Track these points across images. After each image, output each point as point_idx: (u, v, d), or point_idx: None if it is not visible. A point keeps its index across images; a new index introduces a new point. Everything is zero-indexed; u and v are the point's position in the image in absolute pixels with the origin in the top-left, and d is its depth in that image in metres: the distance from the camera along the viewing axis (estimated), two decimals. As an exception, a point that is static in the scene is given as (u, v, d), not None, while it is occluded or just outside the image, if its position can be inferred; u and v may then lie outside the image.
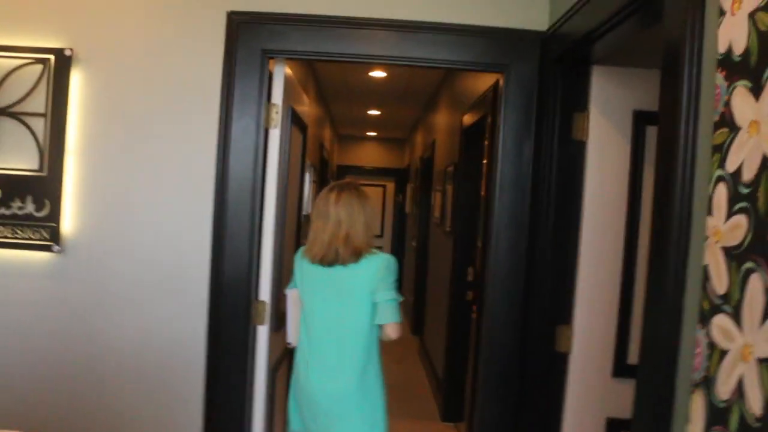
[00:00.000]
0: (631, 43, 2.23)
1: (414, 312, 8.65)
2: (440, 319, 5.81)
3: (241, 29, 2.71)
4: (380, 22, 2.73)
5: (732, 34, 1.34)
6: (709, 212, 1.39)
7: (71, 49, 2.70)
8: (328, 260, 2.74)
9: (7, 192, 2.72)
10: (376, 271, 2.72)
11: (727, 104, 1.34)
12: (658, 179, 1.64)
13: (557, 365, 2.69)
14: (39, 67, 2.70)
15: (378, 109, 9.03)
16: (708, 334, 1.36)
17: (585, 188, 2.65)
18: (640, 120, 2.64)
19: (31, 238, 2.72)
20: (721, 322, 1.31)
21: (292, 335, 2.92)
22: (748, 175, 1.25)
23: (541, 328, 2.71)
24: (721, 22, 1.39)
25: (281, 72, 2.88)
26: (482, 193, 4.36)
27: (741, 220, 1.26)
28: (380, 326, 2.74)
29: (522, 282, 2.78)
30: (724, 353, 1.29)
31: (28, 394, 2.78)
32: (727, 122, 1.34)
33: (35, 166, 2.72)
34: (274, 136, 2.85)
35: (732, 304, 1.27)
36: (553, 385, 2.71)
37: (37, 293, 2.77)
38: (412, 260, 9.43)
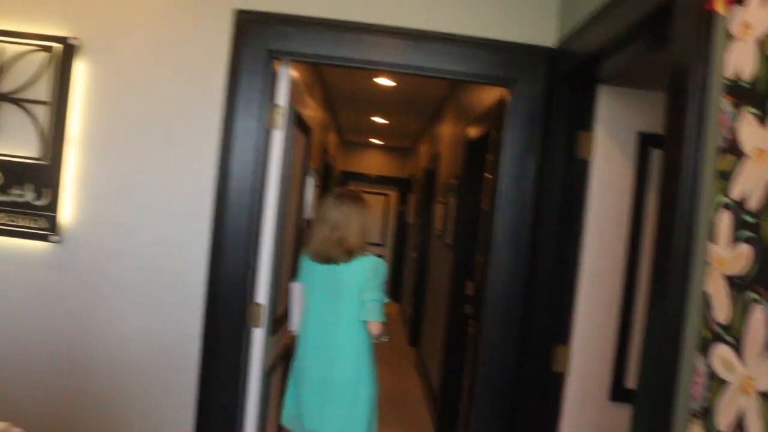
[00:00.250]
0: (639, 64, 2.21)
1: (411, 323, 8.61)
2: (437, 332, 5.77)
3: (248, 28, 2.69)
4: (388, 29, 2.71)
5: (740, 59, 1.31)
6: (713, 239, 1.36)
7: (77, 38, 2.69)
8: (323, 258, 3.10)
9: (7, 179, 2.69)
10: (364, 272, 3.06)
11: (734, 130, 1.31)
12: (662, 203, 1.61)
13: (554, 385, 2.66)
14: (44, 54, 2.68)
15: (384, 118, 9.01)
16: (708, 364, 1.33)
17: (587, 207, 2.62)
18: (645, 142, 2.62)
19: (28, 227, 2.70)
20: (722, 352, 1.28)
21: (294, 323, 3.22)
22: (753, 204, 1.22)
23: (538, 347, 2.68)
24: (728, 48, 1.36)
25: (286, 73, 2.86)
26: (484, 207, 4.33)
27: (746, 250, 1.23)
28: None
29: (521, 299, 2.75)
30: (724, 384, 1.26)
31: (18, 386, 2.75)
32: (732, 148, 1.31)
33: (36, 154, 2.70)
34: (277, 137, 2.83)
35: (733, 335, 1.24)
36: (548, 406, 2.67)
37: (32, 282, 2.74)
38: (411, 271, 9.39)
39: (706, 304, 1.36)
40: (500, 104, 3.35)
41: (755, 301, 1.19)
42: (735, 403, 1.21)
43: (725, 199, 1.32)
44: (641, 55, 2.07)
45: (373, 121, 9.38)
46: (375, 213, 12.32)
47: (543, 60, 2.71)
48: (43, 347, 2.75)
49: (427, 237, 7.89)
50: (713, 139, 1.41)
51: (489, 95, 4.02)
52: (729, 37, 1.36)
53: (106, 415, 2.76)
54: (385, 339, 3.18)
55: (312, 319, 3.12)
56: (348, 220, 3.13)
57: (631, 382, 2.63)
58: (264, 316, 2.85)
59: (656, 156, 2.58)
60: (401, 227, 12.29)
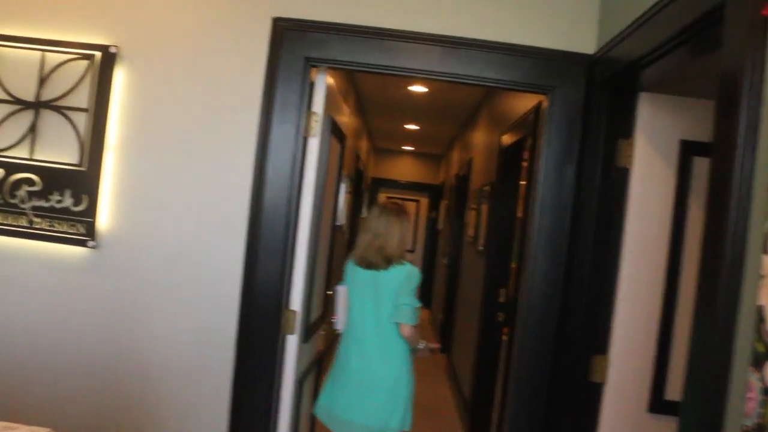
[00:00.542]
0: (682, 71, 2.17)
1: (442, 329, 8.57)
2: (469, 339, 5.73)
3: (286, 36, 2.70)
4: (425, 37, 2.70)
5: (798, 64, 1.27)
6: (766, 250, 1.32)
7: (116, 47, 2.72)
8: (365, 263, 3.39)
9: (46, 184, 2.74)
10: (400, 278, 3.31)
11: (791, 138, 1.27)
12: (709, 214, 1.57)
13: (591, 396, 2.62)
14: (84, 62, 2.72)
15: (416, 124, 9.00)
16: (762, 380, 1.28)
17: (627, 216, 2.58)
18: (687, 150, 2.56)
19: (67, 232, 2.73)
20: (775, 367, 1.24)
21: (340, 323, 3.47)
22: (811, 213, 1.18)
23: (575, 356, 2.64)
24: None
25: (323, 80, 2.86)
26: (519, 214, 4.30)
27: (801, 262, 1.19)
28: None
29: (557, 308, 2.71)
30: (777, 401, 1.22)
31: (59, 390, 2.78)
32: (789, 157, 1.27)
33: (75, 160, 2.73)
34: (313, 144, 2.83)
35: (788, 350, 1.20)
36: (585, 417, 2.63)
37: (70, 287, 2.78)
38: (442, 277, 9.35)
39: (760, 317, 1.32)
40: (537, 111, 3.33)
41: (812, 315, 1.15)
42: (790, 421, 1.17)
43: (780, 210, 1.28)
44: (685, 61, 2.03)
45: (405, 128, 9.37)
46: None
47: (582, 67, 2.68)
48: (80, 352, 2.78)
49: (458, 244, 7.85)
50: (766, 147, 1.36)
51: (525, 102, 3.99)
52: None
53: (141, 417, 2.78)
54: (421, 345, 3.43)
55: (354, 320, 3.40)
56: (388, 230, 3.41)
57: (670, 393, 2.57)
58: (298, 323, 2.84)
59: (699, 164, 2.53)
60: (432, 234, 12.25)
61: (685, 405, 1.59)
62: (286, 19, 2.72)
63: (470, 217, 6.67)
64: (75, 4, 2.76)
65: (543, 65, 2.70)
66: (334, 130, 3.18)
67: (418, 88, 6.47)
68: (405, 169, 12.51)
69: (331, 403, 3.38)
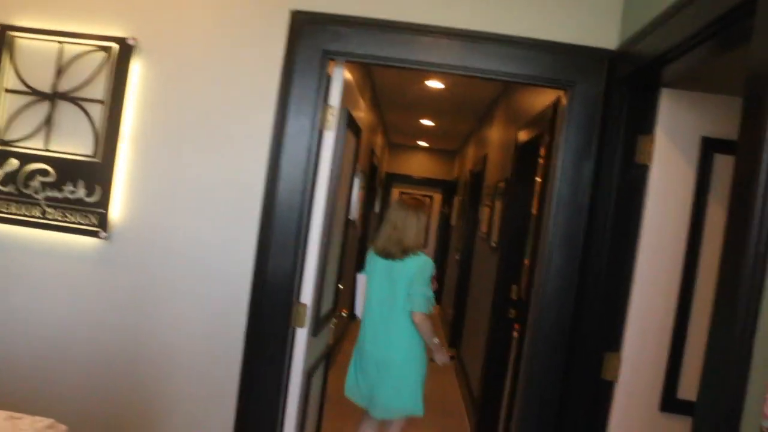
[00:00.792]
0: (704, 67, 2.13)
1: (452, 325, 8.55)
2: (479, 335, 5.71)
3: (304, 29, 2.68)
4: (444, 31, 2.68)
5: (829, 61, 1.24)
6: (790, 250, 1.29)
7: (134, 39, 2.72)
8: (384, 253, 3.69)
9: (60, 175, 2.74)
10: (414, 268, 3.57)
11: (819, 136, 1.24)
12: (732, 213, 1.54)
13: (602, 393, 2.59)
14: (102, 54, 2.72)
15: (432, 120, 8.98)
16: (782, 381, 1.26)
17: (644, 213, 2.54)
18: (708, 147, 2.52)
19: (80, 223, 2.74)
20: (797, 369, 1.22)
21: (359, 309, 3.76)
22: (838, 213, 1.15)
23: (587, 354, 2.62)
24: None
25: (340, 74, 2.84)
26: (533, 211, 4.27)
27: (828, 262, 1.17)
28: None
29: (571, 304, 2.68)
30: (799, 404, 1.19)
31: (65, 379, 2.79)
32: (817, 155, 1.24)
33: (89, 151, 2.73)
34: (328, 138, 2.81)
35: (812, 352, 1.18)
36: (596, 414, 2.60)
37: (82, 278, 2.78)
38: (454, 273, 9.33)
39: (782, 318, 1.29)
40: (555, 107, 3.30)
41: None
42: (813, 425, 1.15)
43: (806, 209, 1.25)
44: (709, 57, 1.99)
45: (421, 123, 9.35)
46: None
47: (603, 62, 2.64)
48: (90, 342, 2.79)
49: (471, 239, 7.82)
50: (794, 146, 1.34)
51: (542, 98, 3.96)
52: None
53: (150, 408, 2.79)
54: (436, 341, 3.62)
55: (372, 307, 3.69)
56: (406, 223, 3.69)
57: (683, 392, 2.54)
58: (308, 316, 2.84)
59: (720, 162, 2.49)
60: (445, 229, 12.23)
61: (701, 406, 1.56)
62: (304, 12, 2.70)
63: (484, 213, 6.64)
64: (93, -5, 2.76)
65: (563, 60, 2.67)
66: (350, 123, 3.17)
67: (435, 84, 6.45)
68: (419, 164, 12.49)
69: (356, 384, 3.76)
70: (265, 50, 2.73)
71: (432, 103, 7.60)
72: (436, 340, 3.68)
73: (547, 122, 3.55)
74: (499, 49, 2.67)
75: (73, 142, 2.74)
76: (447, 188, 12.17)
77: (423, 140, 11.66)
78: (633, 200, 2.56)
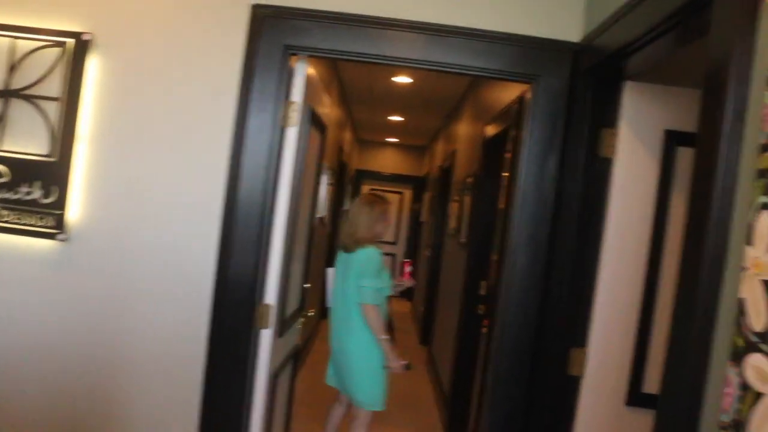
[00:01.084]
0: (667, 59, 2.13)
1: (423, 322, 8.55)
2: (449, 331, 5.71)
3: (265, 23, 2.63)
4: (408, 24, 2.65)
5: (786, 50, 1.24)
6: (749, 242, 1.28)
7: (90, 34, 2.65)
8: (342, 247, 3.84)
9: (15, 176, 2.66)
10: (361, 260, 3.66)
11: (776, 126, 1.24)
12: (692, 203, 1.54)
13: (569, 389, 2.59)
14: (56, 50, 2.64)
15: (400, 116, 8.96)
16: (741, 374, 1.25)
17: (609, 207, 2.55)
18: (672, 140, 2.53)
19: (35, 225, 2.66)
20: (756, 362, 1.21)
21: (328, 301, 3.93)
22: (796, 204, 1.15)
23: (554, 350, 2.61)
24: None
25: (303, 69, 2.80)
26: (501, 206, 4.27)
27: (786, 253, 1.16)
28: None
29: (536, 300, 2.68)
30: (759, 396, 1.19)
31: (21, 385, 2.71)
32: (774, 146, 1.24)
33: (45, 151, 2.66)
34: (291, 135, 2.77)
35: (771, 344, 1.17)
36: (563, 409, 2.61)
37: (38, 281, 2.70)
38: (424, 269, 9.33)
39: (740, 310, 1.28)
40: (521, 101, 3.29)
41: (796, 308, 1.11)
42: (773, 417, 1.14)
43: (765, 199, 1.25)
44: (671, 49, 1.99)
45: (390, 120, 9.33)
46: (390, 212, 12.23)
47: (567, 55, 2.64)
48: (48, 346, 2.71)
49: (441, 236, 7.82)
50: (753, 136, 1.33)
51: (509, 92, 3.95)
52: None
53: (109, 414, 2.72)
54: (385, 338, 3.64)
55: (334, 299, 3.83)
56: (358, 216, 3.80)
57: (648, 386, 2.56)
58: (272, 317, 2.79)
59: (683, 154, 2.50)
60: (415, 226, 12.23)
61: (663, 399, 1.56)
62: (265, 5, 2.65)
63: (453, 209, 6.64)
64: (46, -12, 2.69)
65: (527, 53, 2.65)
66: (313, 120, 3.13)
67: (403, 79, 6.42)
68: (389, 160, 12.47)
69: (332, 372, 3.91)
70: (226, 45, 2.68)
71: (400, 99, 7.57)
72: (384, 337, 3.66)
73: (513, 116, 3.54)
74: (464, 43, 2.64)
75: (28, 141, 2.66)
76: (417, 184, 12.16)
77: (392, 136, 11.64)
78: (597, 194, 2.56)
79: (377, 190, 12.07)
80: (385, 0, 2.67)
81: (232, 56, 2.67)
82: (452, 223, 6.56)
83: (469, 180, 5.50)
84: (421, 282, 9.26)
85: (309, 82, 2.91)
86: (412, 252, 12.03)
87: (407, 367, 3.73)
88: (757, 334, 1.22)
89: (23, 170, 2.65)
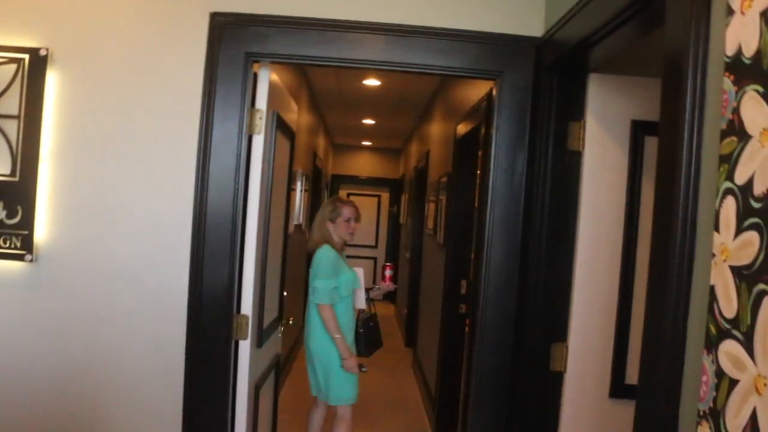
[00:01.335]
0: (630, 49, 2.13)
1: (407, 324, 8.52)
2: (433, 332, 5.69)
3: (224, 31, 2.60)
4: (369, 26, 2.62)
5: (741, 34, 1.23)
6: (716, 228, 1.28)
7: (47, 49, 2.59)
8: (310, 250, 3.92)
9: (-24, 198, 2.59)
10: (315, 261, 3.75)
11: (736, 111, 1.23)
12: (659, 192, 1.53)
13: (552, 384, 2.58)
14: (12, 67, 2.58)
15: (373, 119, 8.94)
16: (715, 362, 1.24)
17: (581, 200, 2.54)
18: (639, 130, 2.53)
19: (1, 247, 2.60)
20: (730, 348, 1.20)
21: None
22: (759, 188, 1.14)
23: (534, 346, 2.60)
24: (729, 23, 1.28)
25: (266, 76, 2.77)
26: (476, 204, 4.26)
27: (752, 238, 1.15)
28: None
29: (514, 297, 2.67)
30: (734, 383, 1.18)
31: (-4, 411, 2.65)
32: (735, 130, 1.23)
33: (7, 171, 2.59)
34: (258, 142, 2.73)
35: (742, 330, 1.16)
36: (547, 406, 2.60)
37: (7, 305, 2.64)
38: (405, 271, 9.31)
39: (712, 297, 1.27)
40: (489, 98, 3.28)
41: (764, 292, 1.10)
42: (747, 404, 1.13)
43: (729, 185, 1.24)
44: (631, 39, 1.99)
45: (363, 123, 9.31)
46: (366, 214, 12.25)
47: (530, 51, 2.63)
48: (20, 370, 2.65)
49: (419, 237, 7.81)
50: (714, 122, 1.32)
51: (478, 90, 3.95)
52: (729, 11, 1.27)
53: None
54: (338, 336, 3.68)
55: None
56: (316, 219, 3.94)
57: (631, 378, 2.55)
58: (250, 328, 2.75)
59: (651, 144, 2.50)
60: (394, 228, 12.21)
61: (642, 391, 1.55)
62: (224, 13, 2.62)
63: (430, 209, 6.63)
64: (0, 5, 2.63)
65: (490, 50, 2.64)
66: (281, 126, 3.09)
67: (372, 82, 6.41)
68: (365, 164, 12.45)
69: (312, 382, 3.94)
70: (187, 55, 2.63)
71: (371, 102, 7.56)
72: (337, 336, 3.70)
73: (482, 114, 3.53)
74: (425, 42, 2.63)
75: (-12, 161, 2.60)
76: (394, 187, 12.15)
77: (367, 140, 11.62)
78: (568, 188, 2.56)
79: (354, 194, 12.04)
80: (345, 2, 2.64)
81: (193, 66, 2.63)
82: (430, 224, 6.55)
83: (444, 180, 5.49)
84: (404, 284, 9.24)
85: (273, 89, 2.88)
86: (392, 254, 12.01)
87: (361, 369, 3.75)
88: (729, 321, 1.21)
89: (-16, 192, 2.59)
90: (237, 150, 2.61)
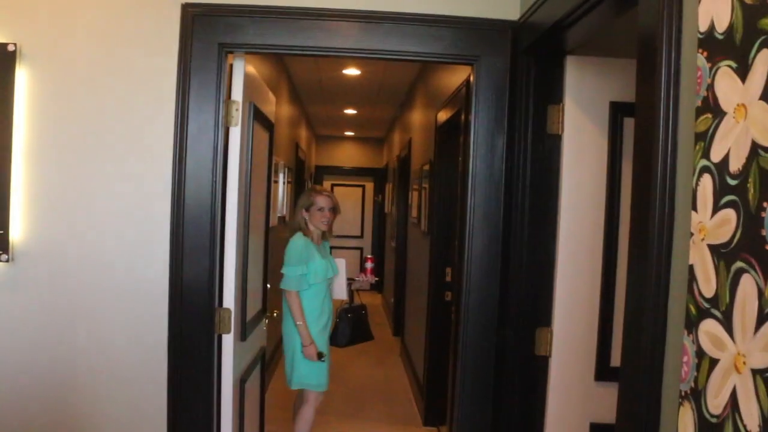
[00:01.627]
0: (606, 31, 2.12)
1: (394, 313, 8.52)
2: (420, 321, 5.68)
3: (197, 22, 2.56)
4: (343, 13, 2.59)
5: (713, 9, 1.22)
6: (694, 207, 1.27)
7: (15, 44, 2.54)
8: None
9: (-53, 198, 2.54)
10: (286, 249, 3.80)
11: (710, 87, 1.22)
12: (636, 173, 1.52)
13: (537, 369, 2.58)
14: (-20, 64, 2.53)
15: (354, 108, 8.90)
16: (696, 342, 1.23)
17: (561, 184, 2.53)
18: (618, 111, 2.52)
19: (-24, 248, 2.55)
20: (709, 327, 1.19)
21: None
22: (735, 164, 1.13)
23: (519, 331, 2.60)
24: (702, -1, 1.26)
25: (241, 67, 2.73)
26: (459, 191, 4.25)
27: (729, 215, 1.14)
28: None
29: (497, 283, 2.66)
30: (714, 362, 1.17)
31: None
32: (710, 107, 1.22)
33: (-22, 169, 2.55)
34: (235, 134, 2.70)
35: (721, 309, 1.15)
36: (534, 390, 2.60)
37: (-16, 306, 2.60)
38: (391, 260, 9.30)
39: (692, 277, 1.26)
40: (468, 84, 3.26)
41: (742, 270, 1.09)
42: (727, 383, 1.12)
43: (705, 163, 1.23)
44: (607, 20, 1.98)
45: (344, 113, 9.27)
46: (351, 204, 12.24)
47: (506, 34, 2.61)
48: (1, 373, 2.61)
49: (404, 226, 7.79)
50: (689, 100, 1.31)
51: (457, 76, 3.93)
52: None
53: (74, 435, 2.64)
54: (300, 323, 3.72)
55: None
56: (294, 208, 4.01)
57: (616, 360, 2.55)
58: (233, 321, 2.72)
59: (630, 126, 2.48)
60: (379, 218, 12.19)
61: (624, 373, 1.54)
62: (195, 4, 2.57)
63: (413, 197, 6.61)
64: (-35, 1, 2.57)
65: (466, 35, 2.62)
66: (258, 118, 3.06)
67: (352, 71, 6.36)
68: (348, 154, 12.41)
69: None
70: (160, 48, 2.59)
71: (351, 91, 7.52)
72: (299, 322, 3.73)
73: (461, 100, 3.51)
74: (400, 28, 2.60)
75: (-40, 161, 2.55)
76: (378, 176, 12.12)
77: (349, 130, 11.58)
78: (549, 172, 2.55)
79: (338, 184, 12.02)
80: (317, -10, 2.61)
81: (166, 58, 2.59)
82: (414, 212, 6.53)
83: (426, 167, 5.48)
84: (390, 273, 9.23)
85: (249, 80, 2.84)
86: (378, 244, 12.00)
87: (319, 357, 3.75)
88: (708, 300, 1.20)
89: (-43, 192, 2.54)
90: (214, 142, 2.57)
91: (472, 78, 2.70)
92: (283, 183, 6.23)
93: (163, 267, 2.60)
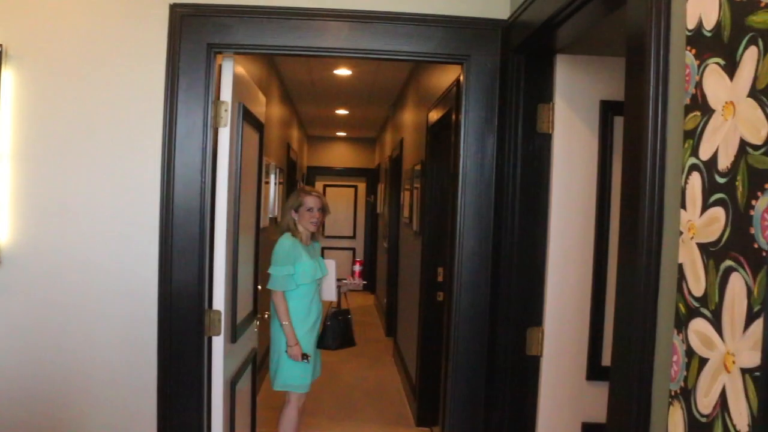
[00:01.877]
0: (596, 29, 2.11)
1: (387, 313, 8.51)
2: (413, 321, 5.68)
3: (185, 22, 2.54)
4: (332, 13, 2.58)
5: (702, 7, 1.21)
6: (683, 205, 1.26)
7: (1, 44, 2.51)
8: None
9: (-66, 202, 2.52)
10: (274, 249, 3.79)
11: (699, 85, 1.21)
12: (626, 171, 1.52)
13: (529, 369, 2.57)
14: (-35, 65, 2.51)
15: (346, 109, 8.89)
16: (685, 341, 1.23)
17: (552, 183, 2.53)
18: (608, 110, 2.52)
19: (-37, 252, 2.53)
20: (699, 327, 1.18)
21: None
22: (724, 162, 1.12)
23: (510, 331, 2.59)
24: (689, -4, 1.26)
25: (230, 67, 2.72)
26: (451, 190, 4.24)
27: (718, 214, 1.13)
28: None
29: (488, 283, 2.65)
30: (703, 362, 1.16)
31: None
32: (699, 105, 1.21)
33: (-36, 173, 2.53)
34: (224, 135, 2.69)
35: (711, 308, 1.14)
36: (525, 390, 2.59)
37: (-28, 311, 2.57)
38: (384, 261, 9.29)
39: (681, 276, 1.26)
40: (458, 84, 3.25)
41: (731, 269, 1.09)
42: (717, 383, 1.11)
43: (694, 161, 1.22)
44: (596, 18, 1.97)
45: (336, 114, 9.25)
46: (343, 205, 12.24)
47: (496, 33, 2.61)
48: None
49: (396, 226, 7.79)
50: (677, 98, 1.30)
51: (448, 75, 3.92)
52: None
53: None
54: (285, 323, 3.70)
55: None
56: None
57: (607, 360, 2.54)
58: (223, 323, 2.71)
59: (620, 124, 2.47)
60: (372, 218, 12.18)
61: (614, 373, 1.54)
62: (183, 4, 2.56)
63: (405, 198, 6.60)
64: (-50, 1, 2.55)
65: (456, 34, 2.61)
66: (248, 118, 3.04)
67: (343, 71, 6.35)
68: (340, 155, 12.40)
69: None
70: (148, 48, 2.57)
71: (343, 92, 7.50)
72: (285, 322, 3.71)
73: (452, 99, 3.51)
74: (390, 28, 2.59)
75: (-56, 163, 2.53)
76: (370, 177, 12.12)
77: (341, 130, 11.57)
78: (539, 171, 2.54)
79: (331, 185, 12.01)
80: (307, -10, 2.60)
81: (155, 59, 2.57)
82: (406, 212, 6.53)
83: (418, 167, 5.47)
84: (383, 274, 9.22)
85: (239, 80, 2.83)
86: (370, 245, 11.99)
87: (304, 357, 3.72)
88: (698, 299, 1.19)
89: (-59, 195, 2.52)
90: (203, 144, 2.56)
91: (462, 77, 2.70)
92: (275, 184, 6.22)
93: (152, 269, 2.58)
